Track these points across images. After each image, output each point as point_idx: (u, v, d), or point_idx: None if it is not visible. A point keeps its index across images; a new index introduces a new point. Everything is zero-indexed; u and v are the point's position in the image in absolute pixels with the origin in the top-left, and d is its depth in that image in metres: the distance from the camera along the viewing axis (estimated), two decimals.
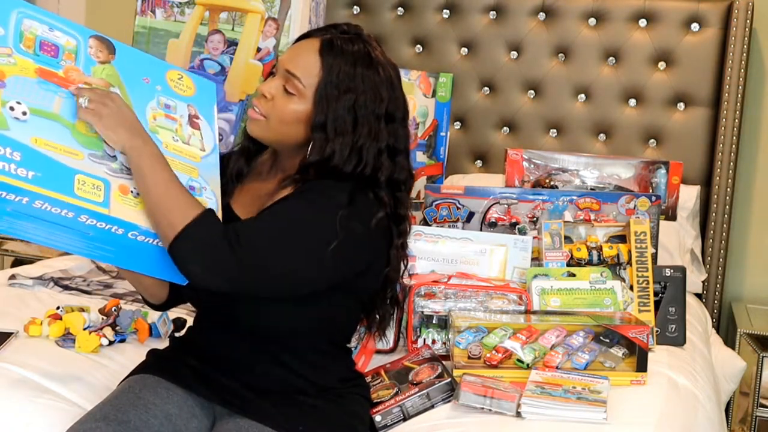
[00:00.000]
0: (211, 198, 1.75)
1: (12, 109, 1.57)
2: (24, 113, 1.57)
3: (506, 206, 2.62)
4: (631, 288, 2.40)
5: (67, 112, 1.63)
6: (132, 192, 1.65)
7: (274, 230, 1.67)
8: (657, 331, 2.38)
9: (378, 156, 1.77)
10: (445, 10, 3.50)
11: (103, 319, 2.32)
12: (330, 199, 1.71)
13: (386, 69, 1.79)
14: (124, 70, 1.74)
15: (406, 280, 2.26)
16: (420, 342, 2.28)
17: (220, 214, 1.74)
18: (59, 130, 1.60)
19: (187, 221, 1.62)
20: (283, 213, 1.71)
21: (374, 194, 1.77)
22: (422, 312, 2.29)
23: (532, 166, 2.92)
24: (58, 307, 2.34)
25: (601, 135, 3.39)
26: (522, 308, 2.28)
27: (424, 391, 1.98)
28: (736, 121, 3.22)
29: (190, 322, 2.21)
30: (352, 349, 2.11)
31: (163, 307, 1.94)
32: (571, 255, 2.45)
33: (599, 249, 2.47)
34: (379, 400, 1.98)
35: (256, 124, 1.80)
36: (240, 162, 1.89)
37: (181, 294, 1.86)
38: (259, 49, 2.78)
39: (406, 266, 1.92)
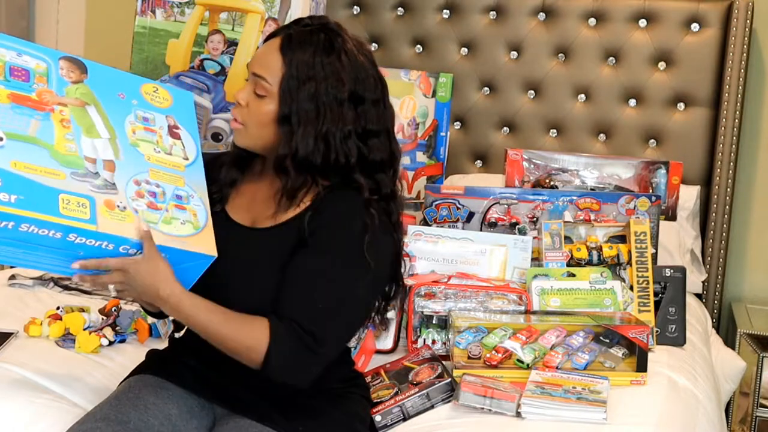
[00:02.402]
0: (199, 205, 1.74)
1: None
2: (0, 138, 1.56)
3: (506, 206, 2.62)
4: (631, 288, 2.40)
5: (45, 133, 1.61)
6: (118, 206, 1.63)
7: (333, 309, 1.70)
8: (657, 332, 2.38)
9: (345, 140, 1.76)
10: (445, 10, 3.49)
11: (103, 319, 2.32)
12: (351, 236, 1.72)
13: (351, 55, 1.78)
14: (98, 88, 1.72)
15: (406, 281, 2.26)
16: (420, 342, 2.28)
17: (210, 220, 1.74)
18: (38, 152, 1.59)
19: (263, 351, 1.66)
20: (327, 286, 1.70)
21: (350, 179, 1.77)
22: (422, 312, 2.29)
23: (532, 166, 2.92)
24: (58, 307, 2.34)
25: (601, 135, 3.39)
26: (522, 308, 2.28)
27: (424, 391, 1.99)
28: (736, 121, 3.22)
29: None
30: (352, 349, 2.11)
31: (162, 314, 1.93)
32: (571, 255, 2.45)
33: (599, 249, 2.47)
34: (379, 400, 1.98)
35: (238, 134, 1.81)
36: (233, 170, 1.88)
37: None
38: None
39: (401, 243, 1.89)
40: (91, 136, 1.67)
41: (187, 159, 1.78)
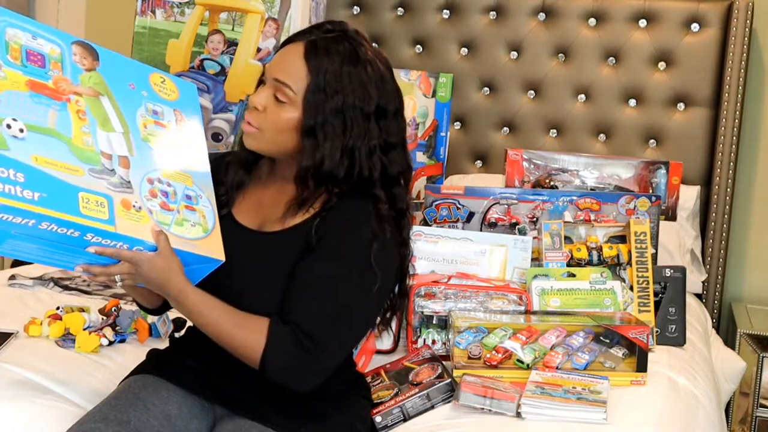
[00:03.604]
0: (207, 206, 1.73)
1: (9, 126, 1.53)
2: (21, 130, 1.53)
3: (506, 206, 2.62)
4: (631, 288, 2.40)
5: (62, 125, 1.59)
6: (134, 206, 1.62)
7: (336, 315, 1.69)
8: (657, 332, 2.38)
9: (370, 155, 1.74)
10: (445, 10, 3.50)
11: (103, 319, 2.32)
12: (359, 244, 1.71)
13: (375, 65, 1.76)
14: (110, 77, 1.70)
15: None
16: (420, 342, 2.28)
17: (217, 222, 1.73)
18: (57, 145, 1.57)
19: (260, 349, 1.67)
20: (332, 292, 1.69)
21: (370, 194, 1.75)
22: (422, 312, 2.29)
23: (532, 166, 2.92)
24: (58, 307, 2.34)
25: (601, 135, 3.39)
26: (522, 308, 2.28)
27: (425, 392, 1.98)
28: (736, 121, 3.22)
29: (190, 322, 2.21)
30: (353, 350, 2.11)
31: (158, 311, 1.93)
32: (571, 255, 2.45)
33: (599, 249, 2.47)
34: (379, 401, 1.98)
35: (251, 138, 1.78)
36: (240, 173, 1.87)
37: None
38: (259, 49, 2.78)
39: (409, 259, 1.88)
40: (106, 130, 1.65)
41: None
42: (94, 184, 1.58)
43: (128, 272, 1.64)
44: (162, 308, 1.92)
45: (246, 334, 1.68)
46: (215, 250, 1.70)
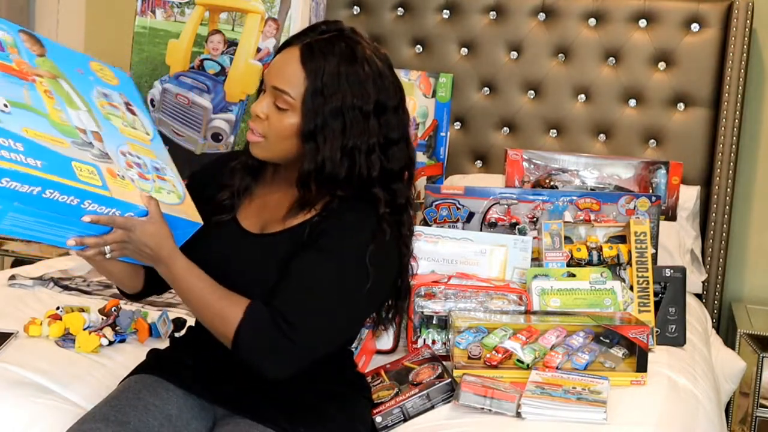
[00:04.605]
0: (174, 176, 1.75)
1: None
2: (6, 105, 1.55)
3: (506, 206, 2.62)
4: (631, 288, 2.40)
5: (37, 102, 1.61)
6: (119, 175, 1.64)
7: (319, 304, 1.68)
8: (657, 332, 2.38)
9: (369, 154, 1.74)
10: (445, 11, 3.50)
11: (103, 319, 2.32)
12: (356, 242, 1.71)
13: (372, 62, 1.75)
14: (60, 63, 1.72)
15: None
16: (420, 342, 2.28)
17: (185, 189, 1.76)
18: (39, 120, 1.59)
19: (234, 325, 1.66)
20: (319, 282, 1.69)
21: (369, 193, 1.75)
22: (422, 312, 2.29)
23: (532, 166, 2.92)
24: (58, 308, 2.34)
25: (601, 135, 3.39)
26: (522, 308, 2.28)
27: (425, 392, 1.99)
28: (736, 121, 3.22)
29: (190, 322, 2.21)
30: (354, 350, 2.11)
31: (138, 296, 1.92)
32: (571, 255, 2.45)
33: (599, 249, 2.47)
34: (379, 401, 1.98)
35: (257, 147, 1.78)
36: (246, 179, 1.86)
37: (158, 283, 1.84)
38: (259, 49, 2.79)
39: (409, 256, 1.87)
40: (73, 108, 1.67)
41: (148, 134, 1.80)
42: (80, 155, 1.60)
43: (121, 240, 1.64)
44: (142, 293, 1.91)
45: (225, 304, 1.68)
46: (193, 214, 1.73)
